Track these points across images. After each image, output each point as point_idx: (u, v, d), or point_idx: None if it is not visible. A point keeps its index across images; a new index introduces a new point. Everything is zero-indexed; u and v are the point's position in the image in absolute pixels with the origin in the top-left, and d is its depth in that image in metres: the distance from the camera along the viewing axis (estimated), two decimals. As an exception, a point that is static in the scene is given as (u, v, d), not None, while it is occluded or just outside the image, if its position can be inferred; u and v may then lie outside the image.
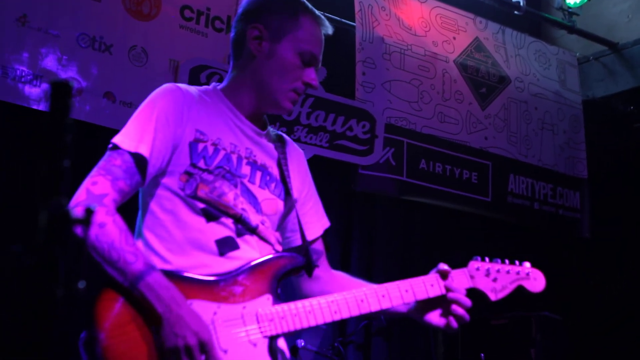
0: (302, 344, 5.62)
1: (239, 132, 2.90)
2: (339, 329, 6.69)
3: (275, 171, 2.99)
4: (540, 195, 8.21)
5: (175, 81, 5.86)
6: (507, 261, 3.09)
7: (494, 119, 7.99)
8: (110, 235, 2.45)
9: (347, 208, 7.17)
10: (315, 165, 6.47)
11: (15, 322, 1.15)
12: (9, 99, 5.30)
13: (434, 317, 2.95)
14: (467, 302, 2.90)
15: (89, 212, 1.20)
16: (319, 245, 3.12)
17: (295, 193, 3.04)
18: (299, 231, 3.02)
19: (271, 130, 3.08)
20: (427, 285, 2.91)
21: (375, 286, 2.87)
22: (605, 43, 8.54)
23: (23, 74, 5.36)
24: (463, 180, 7.63)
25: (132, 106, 5.66)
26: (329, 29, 2.98)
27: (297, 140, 6.60)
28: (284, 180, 3.01)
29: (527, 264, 3.13)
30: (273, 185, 2.95)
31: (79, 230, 2.39)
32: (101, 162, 2.59)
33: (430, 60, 7.62)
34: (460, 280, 2.98)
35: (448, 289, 2.91)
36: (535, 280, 3.11)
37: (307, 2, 2.99)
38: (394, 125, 7.21)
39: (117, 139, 2.64)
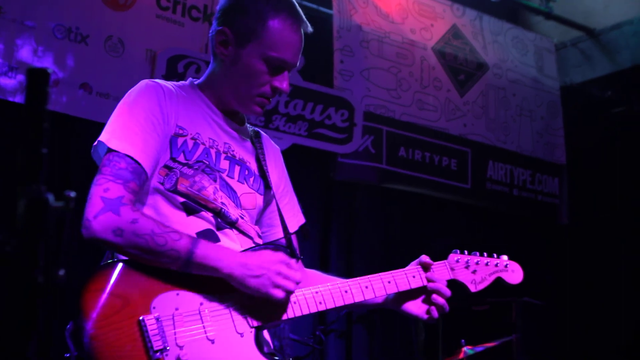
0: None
1: (217, 128, 2.90)
2: (320, 317, 6.70)
3: (253, 166, 3.00)
4: (519, 181, 8.26)
5: (153, 71, 5.85)
6: (485, 254, 3.14)
7: (473, 105, 8.01)
8: (147, 225, 2.48)
9: (326, 197, 7.17)
10: (294, 154, 6.51)
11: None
12: (-16, 91, 5.26)
13: (414, 307, 2.97)
14: (448, 292, 2.93)
15: (68, 198, 1.19)
16: (294, 242, 3.12)
17: (274, 187, 3.04)
18: (279, 225, 3.04)
19: (248, 126, 3.09)
20: (409, 277, 2.93)
21: (357, 278, 2.88)
22: (582, 29, 8.58)
23: (-2, 65, 5.31)
24: (442, 167, 7.66)
25: (109, 97, 5.63)
26: (307, 28, 2.90)
27: (276, 130, 6.59)
28: (263, 174, 3.01)
29: (505, 257, 3.18)
30: (252, 179, 2.96)
31: (118, 239, 2.45)
32: (105, 169, 2.55)
33: (409, 48, 7.62)
34: (441, 272, 3.00)
35: (429, 280, 2.94)
36: (514, 273, 3.16)
37: (282, 1, 2.87)
38: (372, 113, 7.22)
39: (110, 141, 2.60)
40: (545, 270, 7.82)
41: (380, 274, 2.90)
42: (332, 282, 2.84)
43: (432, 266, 2.97)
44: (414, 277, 2.93)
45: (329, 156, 6.97)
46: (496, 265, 3.10)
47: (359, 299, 2.82)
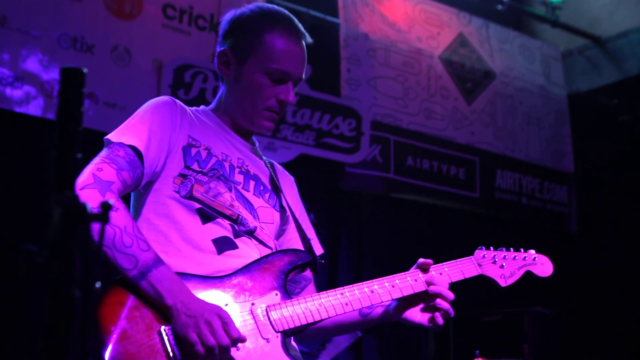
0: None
1: (230, 145, 2.89)
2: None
3: (268, 185, 2.96)
4: (527, 190, 8.19)
5: (160, 81, 5.81)
6: (512, 249, 3.04)
7: (480, 114, 7.95)
8: (123, 220, 2.41)
9: (334, 207, 7.09)
10: (302, 164, 6.45)
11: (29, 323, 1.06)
12: (-10, 102, 5.20)
13: (416, 315, 2.81)
14: (451, 295, 2.78)
15: (106, 207, 1.11)
16: (308, 272, 3.02)
17: (293, 208, 2.99)
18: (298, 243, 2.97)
19: (264, 157, 3.07)
20: (410, 280, 2.78)
21: (384, 278, 2.78)
22: (588, 37, 8.52)
23: (4, 76, 5.25)
24: (450, 177, 7.59)
25: (115, 107, 5.55)
26: (307, 39, 2.91)
27: (284, 139, 6.52)
28: (278, 193, 2.97)
29: (532, 251, 3.07)
30: (267, 195, 2.91)
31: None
32: (102, 152, 2.55)
33: (415, 56, 7.56)
34: (468, 268, 2.90)
35: (429, 284, 2.79)
36: (543, 265, 3.04)
37: (278, 14, 2.90)
38: (380, 122, 7.16)
39: (113, 136, 2.60)
40: (555, 279, 7.73)
41: (401, 273, 2.79)
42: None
43: (458, 263, 2.88)
44: (416, 280, 2.79)
45: (337, 166, 6.91)
46: (524, 258, 3.01)
47: (386, 298, 2.73)
